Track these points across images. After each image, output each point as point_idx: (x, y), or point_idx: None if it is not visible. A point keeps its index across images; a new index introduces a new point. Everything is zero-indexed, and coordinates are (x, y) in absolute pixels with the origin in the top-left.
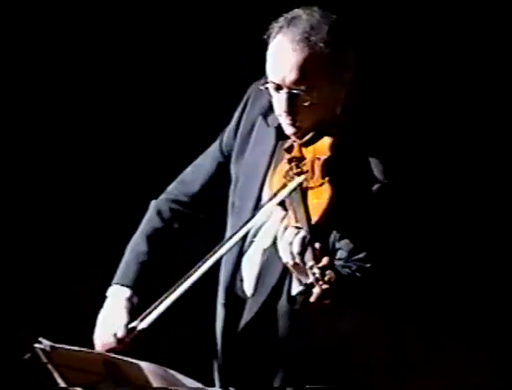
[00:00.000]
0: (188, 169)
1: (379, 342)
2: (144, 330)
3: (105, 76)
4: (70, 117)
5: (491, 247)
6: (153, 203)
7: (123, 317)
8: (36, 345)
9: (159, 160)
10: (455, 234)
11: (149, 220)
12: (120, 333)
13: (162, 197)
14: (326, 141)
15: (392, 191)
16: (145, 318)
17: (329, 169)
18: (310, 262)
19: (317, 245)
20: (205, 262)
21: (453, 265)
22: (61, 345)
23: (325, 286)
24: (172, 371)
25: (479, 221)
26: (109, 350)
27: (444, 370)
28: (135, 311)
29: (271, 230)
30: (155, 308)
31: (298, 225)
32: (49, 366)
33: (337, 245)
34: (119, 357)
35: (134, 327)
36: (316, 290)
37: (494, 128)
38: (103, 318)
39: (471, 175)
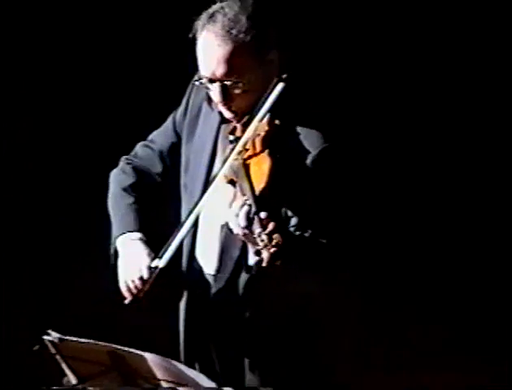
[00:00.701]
0: (143, 143)
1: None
2: (164, 268)
3: (106, 79)
4: (71, 120)
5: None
6: (114, 170)
7: (144, 258)
8: (45, 337)
9: None
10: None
11: (119, 180)
12: (145, 274)
13: (123, 159)
14: (264, 119)
15: (328, 156)
16: (162, 256)
17: (268, 142)
18: (257, 230)
19: (262, 215)
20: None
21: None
22: (69, 337)
23: (273, 249)
24: (175, 362)
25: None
26: (137, 293)
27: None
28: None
29: (224, 206)
30: (169, 245)
31: (244, 198)
32: (58, 357)
33: (289, 213)
34: (125, 348)
35: (156, 267)
36: (265, 254)
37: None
38: (124, 265)
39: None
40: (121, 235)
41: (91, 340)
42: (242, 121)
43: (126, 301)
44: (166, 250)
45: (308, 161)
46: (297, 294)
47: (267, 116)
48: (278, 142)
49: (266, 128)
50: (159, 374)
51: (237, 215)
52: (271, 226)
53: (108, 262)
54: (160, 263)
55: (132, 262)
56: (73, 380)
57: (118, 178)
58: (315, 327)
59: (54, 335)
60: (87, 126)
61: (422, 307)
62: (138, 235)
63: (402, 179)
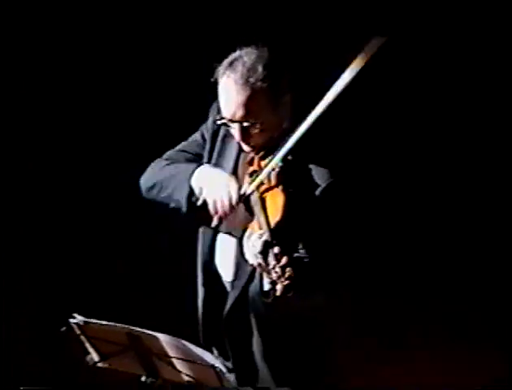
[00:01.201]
0: (174, 150)
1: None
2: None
3: (110, 85)
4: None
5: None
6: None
7: (233, 183)
8: (71, 320)
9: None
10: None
11: (158, 163)
12: (234, 200)
13: (156, 160)
14: (283, 151)
15: (334, 191)
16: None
17: (282, 178)
18: (272, 263)
19: (276, 249)
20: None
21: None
22: (92, 320)
23: (286, 282)
24: (184, 341)
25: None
26: (225, 214)
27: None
28: None
29: (241, 224)
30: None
31: (261, 232)
32: (82, 337)
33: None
34: (141, 329)
35: (243, 194)
36: (279, 287)
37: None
38: (212, 186)
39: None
40: (195, 170)
41: (111, 323)
42: (259, 154)
43: (212, 224)
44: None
45: (317, 193)
46: (305, 304)
47: (282, 151)
48: (291, 177)
49: (281, 164)
50: (170, 352)
51: (254, 247)
52: (284, 260)
53: (108, 262)
54: (248, 190)
55: (222, 182)
56: (95, 358)
57: (158, 163)
58: (319, 326)
59: (79, 319)
60: (88, 126)
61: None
62: (208, 165)
63: (400, 180)
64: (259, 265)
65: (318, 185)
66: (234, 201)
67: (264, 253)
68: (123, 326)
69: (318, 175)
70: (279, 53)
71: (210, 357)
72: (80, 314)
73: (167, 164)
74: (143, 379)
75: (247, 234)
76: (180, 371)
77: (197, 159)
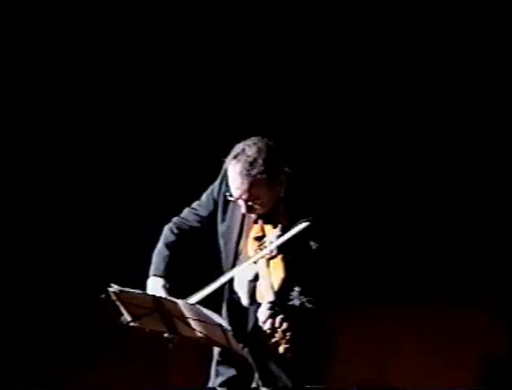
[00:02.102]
0: (190, 208)
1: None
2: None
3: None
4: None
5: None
6: (167, 225)
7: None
8: (109, 289)
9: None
10: None
11: (166, 236)
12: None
13: (175, 220)
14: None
15: (321, 255)
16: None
17: (282, 248)
18: (276, 326)
19: (278, 319)
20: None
21: None
22: (125, 288)
23: (286, 345)
24: (198, 306)
25: None
26: None
27: None
28: (168, 292)
29: (251, 270)
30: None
31: (266, 300)
32: (118, 303)
33: (296, 289)
34: (163, 296)
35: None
36: (280, 349)
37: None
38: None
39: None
40: (153, 276)
41: (140, 291)
42: (263, 219)
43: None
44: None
45: (308, 255)
46: None
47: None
48: (288, 248)
49: (279, 233)
50: (187, 313)
51: (263, 312)
52: (284, 325)
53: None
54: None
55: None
56: (128, 318)
57: (166, 234)
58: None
59: (115, 288)
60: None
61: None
62: (162, 281)
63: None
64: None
65: (309, 248)
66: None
67: (269, 318)
68: (150, 293)
69: (308, 240)
70: (275, 146)
71: (218, 318)
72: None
73: (164, 243)
74: (165, 335)
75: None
76: (194, 329)
77: (203, 221)
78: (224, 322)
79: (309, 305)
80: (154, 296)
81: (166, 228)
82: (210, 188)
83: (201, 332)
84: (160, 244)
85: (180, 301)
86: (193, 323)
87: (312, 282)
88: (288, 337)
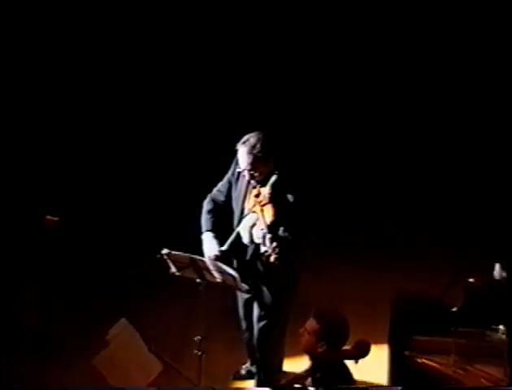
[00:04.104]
0: (217, 187)
1: None
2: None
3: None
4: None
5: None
6: (205, 200)
7: (215, 246)
8: (161, 252)
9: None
10: None
11: (206, 205)
12: (214, 255)
13: (209, 195)
14: (269, 184)
15: (297, 205)
16: (223, 245)
17: (272, 198)
18: (267, 244)
19: (268, 236)
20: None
21: None
22: (173, 252)
23: (275, 256)
24: (217, 261)
25: None
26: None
27: None
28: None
29: (250, 220)
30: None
31: (262, 227)
32: (168, 261)
33: (281, 228)
34: (196, 256)
35: (221, 250)
36: (271, 258)
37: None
38: (206, 247)
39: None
40: (205, 232)
41: (187, 254)
42: (259, 183)
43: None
44: (225, 243)
45: (288, 205)
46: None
47: (270, 186)
48: (276, 198)
49: (270, 191)
50: (211, 267)
51: (258, 235)
52: (274, 243)
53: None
54: (223, 248)
55: (210, 247)
56: (174, 270)
57: (206, 204)
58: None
59: (165, 251)
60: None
61: None
62: (211, 234)
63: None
64: (261, 243)
65: (289, 201)
66: (213, 256)
67: (263, 238)
68: (189, 256)
69: (290, 196)
70: (269, 138)
71: (230, 270)
72: None
73: (206, 210)
74: (197, 280)
75: (255, 227)
76: (215, 277)
77: (225, 193)
78: (234, 272)
79: (289, 237)
80: (190, 255)
81: (205, 202)
82: (228, 172)
83: (219, 279)
84: (204, 211)
85: (206, 259)
86: (215, 273)
87: (290, 223)
88: (276, 250)
